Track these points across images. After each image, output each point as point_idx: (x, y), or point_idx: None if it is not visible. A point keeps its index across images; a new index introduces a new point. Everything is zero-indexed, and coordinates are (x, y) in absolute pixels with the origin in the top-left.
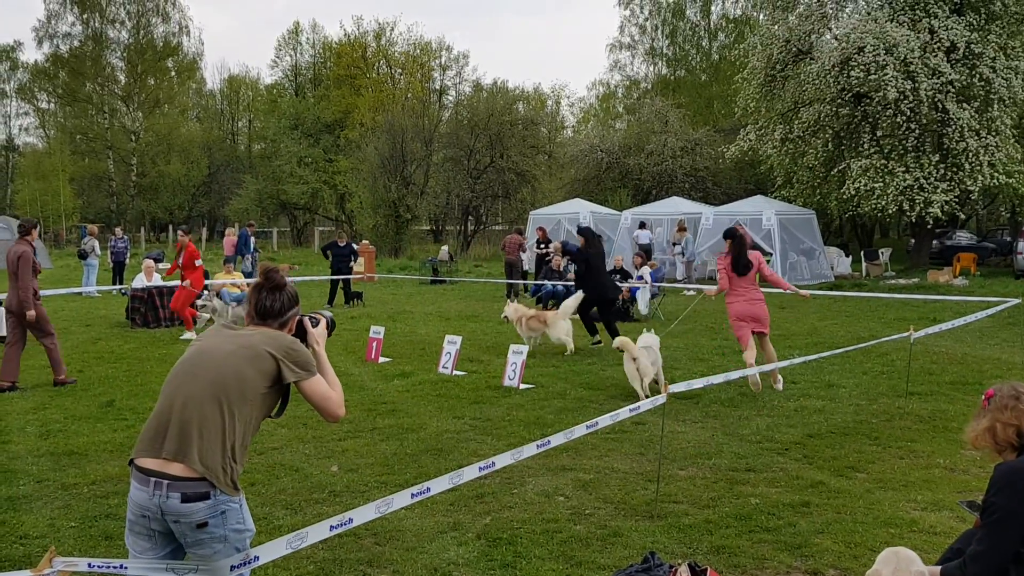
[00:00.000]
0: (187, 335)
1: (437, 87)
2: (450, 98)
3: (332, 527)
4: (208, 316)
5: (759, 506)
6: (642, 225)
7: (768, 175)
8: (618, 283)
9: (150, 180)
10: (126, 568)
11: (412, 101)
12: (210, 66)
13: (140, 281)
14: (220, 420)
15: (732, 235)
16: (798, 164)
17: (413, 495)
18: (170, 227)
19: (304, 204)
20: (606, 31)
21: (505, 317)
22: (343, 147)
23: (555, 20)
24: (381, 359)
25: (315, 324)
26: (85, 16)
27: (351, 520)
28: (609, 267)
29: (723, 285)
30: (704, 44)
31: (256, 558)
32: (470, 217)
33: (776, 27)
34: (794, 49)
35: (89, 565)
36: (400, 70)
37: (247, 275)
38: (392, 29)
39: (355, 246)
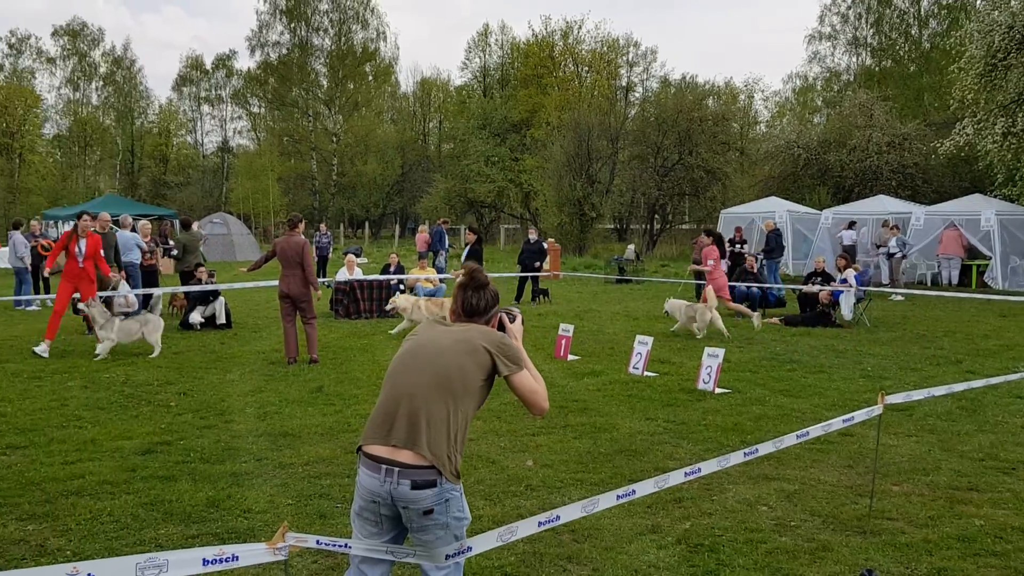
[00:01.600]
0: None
1: (624, 84)
2: (636, 95)
3: (540, 523)
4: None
5: (984, 528)
6: (850, 225)
7: (987, 172)
8: (819, 286)
9: (349, 179)
10: (350, 548)
11: (598, 99)
12: (404, 70)
13: (343, 274)
14: (445, 411)
15: (712, 232)
16: (1022, 160)
17: (618, 496)
18: (367, 224)
19: (490, 202)
20: (803, 21)
21: (393, 308)
22: (529, 146)
23: (748, 11)
24: (570, 357)
25: (512, 320)
26: (292, 25)
27: (558, 517)
28: (809, 268)
29: (716, 268)
30: (913, 32)
31: (469, 548)
32: (656, 216)
33: (997, 13)
34: (1018, 36)
35: (317, 542)
36: (587, 68)
37: (439, 271)
38: (579, 27)
39: (544, 244)
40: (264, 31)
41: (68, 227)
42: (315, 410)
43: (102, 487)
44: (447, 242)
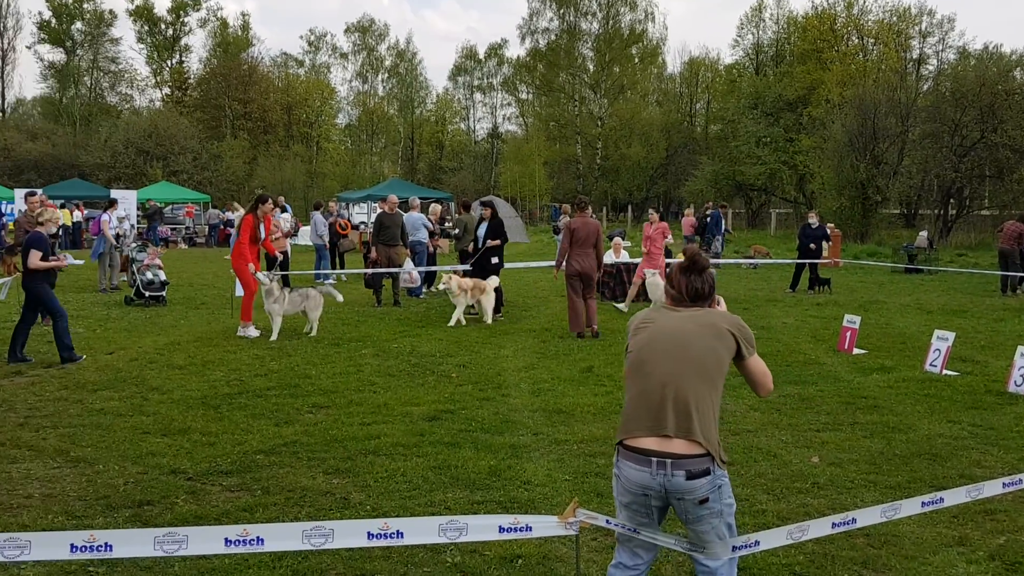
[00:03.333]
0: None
1: (915, 56)
2: (929, 68)
3: (834, 524)
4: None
5: None
6: None
7: None
8: None
9: (612, 163)
10: (638, 532)
11: (885, 73)
12: (672, 50)
13: (609, 257)
14: (708, 396)
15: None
16: None
17: (924, 503)
18: (629, 207)
19: (761, 185)
20: None
21: (446, 288)
22: (805, 125)
23: None
24: (856, 350)
25: (719, 304)
26: (562, 11)
27: (854, 520)
28: None
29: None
30: None
31: (756, 543)
32: (951, 200)
33: None
34: None
35: (607, 522)
36: (873, 40)
37: (716, 256)
38: None
39: (826, 229)
40: (534, 18)
41: (359, 208)
42: (586, 389)
43: (395, 448)
44: (724, 226)
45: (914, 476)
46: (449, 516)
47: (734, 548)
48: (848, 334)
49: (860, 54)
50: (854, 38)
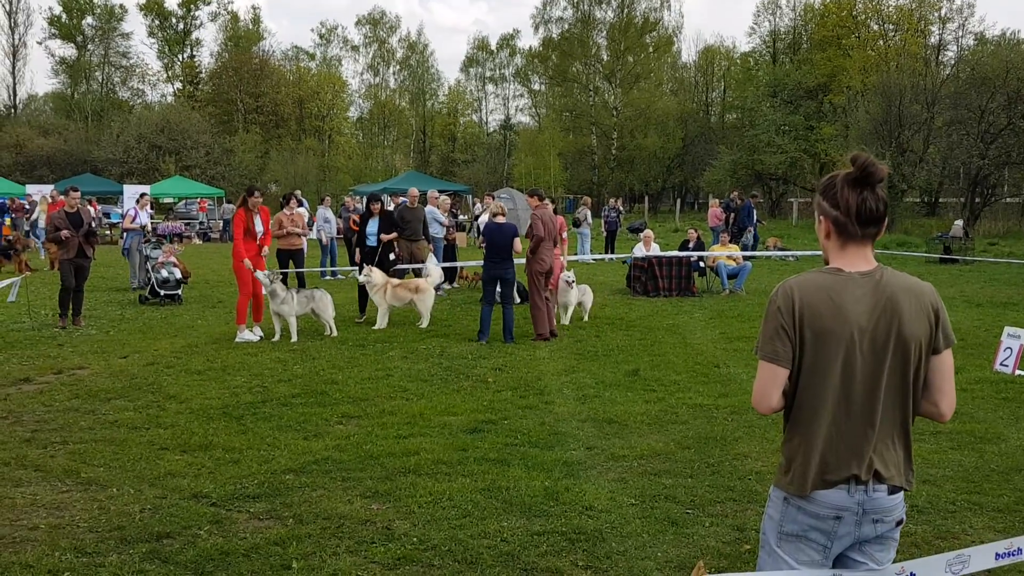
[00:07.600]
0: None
1: (935, 42)
2: (949, 54)
3: (998, 555)
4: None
5: None
6: None
7: None
8: None
9: (628, 153)
10: None
11: (907, 59)
12: (687, 39)
13: (640, 250)
14: (908, 396)
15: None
16: None
17: None
18: (645, 198)
19: (781, 174)
20: None
21: (367, 280)
22: (826, 113)
23: None
24: None
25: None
26: (576, 0)
27: (1020, 551)
28: None
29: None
30: None
31: (913, 574)
32: (978, 188)
33: None
34: None
35: None
36: (893, 27)
37: (745, 248)
38: None
39: None
40: (548, 8)
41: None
42: (636, 396)
43: (437, 467)
44: (756, 217)
45: (1020, 497)
46: None
47: None
48: None
49: (881, 40)
50: (874, 24)
